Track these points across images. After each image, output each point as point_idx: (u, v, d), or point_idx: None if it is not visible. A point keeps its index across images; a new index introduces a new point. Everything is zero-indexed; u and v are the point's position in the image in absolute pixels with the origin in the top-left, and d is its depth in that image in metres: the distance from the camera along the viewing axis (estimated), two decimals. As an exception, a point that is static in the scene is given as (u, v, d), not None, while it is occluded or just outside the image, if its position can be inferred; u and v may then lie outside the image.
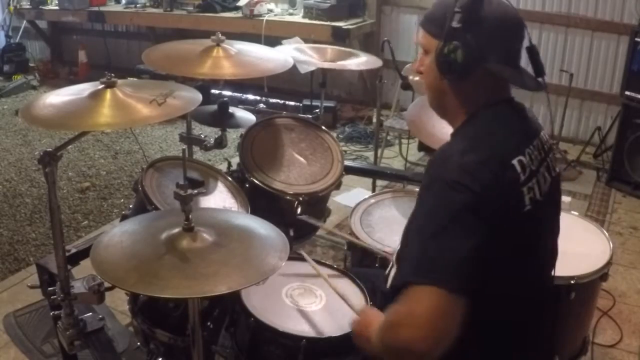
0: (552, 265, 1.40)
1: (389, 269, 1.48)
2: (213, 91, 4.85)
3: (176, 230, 1.41)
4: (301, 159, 2.34)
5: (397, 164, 4.27)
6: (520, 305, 1.26)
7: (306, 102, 4.70)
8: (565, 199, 3.74)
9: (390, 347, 1.15)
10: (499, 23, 1.24)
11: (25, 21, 6.59)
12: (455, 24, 1.22)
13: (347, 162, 2.45)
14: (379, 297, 1.65)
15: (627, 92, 3.73)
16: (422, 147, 4.39)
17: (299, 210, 2.19)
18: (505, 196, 1.16)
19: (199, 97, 1.68)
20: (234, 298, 1.65)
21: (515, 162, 1.19)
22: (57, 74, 6.55)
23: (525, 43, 1.29)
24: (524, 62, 1.31)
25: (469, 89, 1.28)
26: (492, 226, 1.13)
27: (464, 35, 1.22)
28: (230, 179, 2.17)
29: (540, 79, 1.30)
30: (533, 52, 1.30)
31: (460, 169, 1.14)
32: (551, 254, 1.39)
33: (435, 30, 1.28)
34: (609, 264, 1.94)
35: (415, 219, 1.20)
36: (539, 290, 1.33)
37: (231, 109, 2.49)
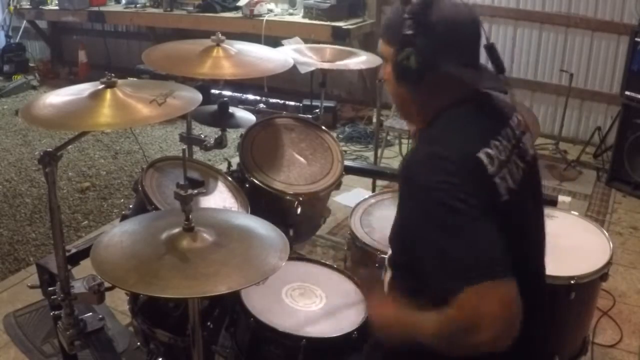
0: (542, 257, 1.39)
1: (383, 273, 1.46)
2: (213, 91, 4.85)
3: (176, 230, 1.41)
4: (301, 159, 2.34)
5: (397, 164, 4.25)
6: None
7: (306, 102, 4.70)
8: (565, 199, 3.72)
9: (465, 348, 1.11)
10: (451, 25, 1.26)
11: (25, 21, 6.59)
12: (406, 31, 1.25)
13: (347, 162, 2.45)
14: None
15: (627, 92, 3.73)
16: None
17: (299, 210, 2.19)
18: (479, 189, 1.17)
19: (199, 97, 1.68)
20: (234, 298, 1.66)
21: (481, 154, 1.20)
22: (57, 74, 6.55)
23: (483, 41, 1.31)
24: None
25: (428, 93, 1.30)
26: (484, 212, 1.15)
27: (416, 41, 1.24)
28: (230, 179, 2.17)
29: (501, 76, 1.31)
30: (491, 50, 1.31)
31: (432, 168, 1.16)
32: (539, 245, 1.39)
33: (391, 38, 1.31)
34: (609, 264, 1.94)
35: (413, 231, 1.19)
36: (529, 284, 1.33)
37: (231, 109, 2.49)
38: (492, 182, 1.20)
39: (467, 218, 1.12)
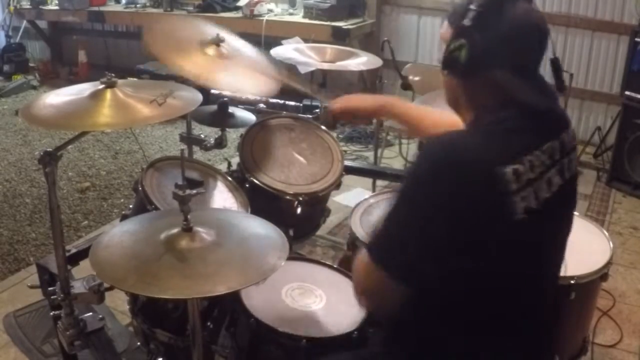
0: (556, 272, 1.38)
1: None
2: (213, 91, 4.85)
3: (175, 230, 1.41)
4: (301, 159, 2.34)
5: (397, 164, 4.27)
6: (513, 308, 1.25)
7: (306, 102, 4.70)
8: (565, 199, 3.74)
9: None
10: (515, 30, 1.18)
11: (25, 21, 6.59)
12: (466, 22, 1.18)
13: (347, 162, 2.44)
14: None
15: (627, 92, 3.73)
16: (422, 147, 4.40)
17: (299, 210, 2.19)
18: (489, 203, 1.12)
19: (199, 97, 1.68)
20: (234, 298, 1.65)
21: (508, 169, 1.13)
22: (57, 74, 6.54)
23: (549, 54, 1.24)
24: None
25: (476, 89, 1.24)
26: (473, 229, 1.12)
27: (472, 35, 1.18)
28: (230, 179, 2.17)
29: (558, 93, 1.26)
30: (554, 64, 1.26)
31: (436, 164, 1.14)
32: (554, 261, 1.37)
33: (452, 23, 1.24)
34: (609, 264, 1.94)
35: (396, 199, 1.20)
36: (536, 297, 1.32)
37: (231, 109, 2.49)
38: (508, 199, 1.13)
39: (421, 219, 1.14)
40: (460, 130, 1.25)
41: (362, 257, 1.22)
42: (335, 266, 1.88)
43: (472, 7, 1.18)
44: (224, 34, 2.12)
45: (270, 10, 5.15)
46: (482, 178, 1.12)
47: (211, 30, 2.14)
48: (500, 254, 1.15)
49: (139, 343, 1.97)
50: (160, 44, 2.11)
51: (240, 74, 2.08)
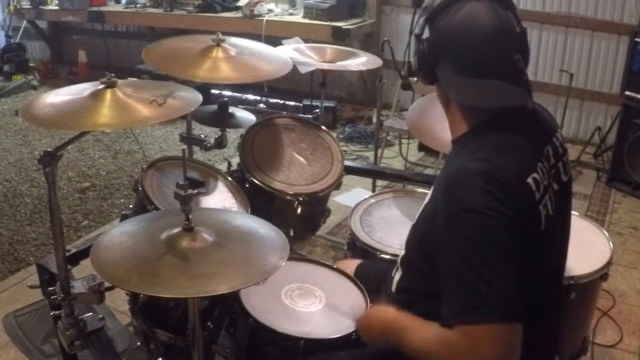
0: (561, 272, 1.38)
1: (394, 271, 1.47)
2: (213, 91, 4.86)
3: (176, 230, 1.41)
4: (301, 159, 2.34)
5: (397, 164, 4.27)
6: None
7: (306, 102, 4.71)
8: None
9: None
10: (457, 35, 1.21)
11: (25, 21, 6.60)
12: (416, 31, 1.28)
13: (347, 162, 2.44)
14: (384, 298, 1.63)
15: (627, 92, 3.73)
16: (422, 147, 4.40)
17: (299, 210, 2.19)
18: (526, 217, 1.12)
19: (199, 97, 1.68)
20: (233, 298, 1.65)
21: (530, 180, 1.14)
22: (57, 74, 6.55)
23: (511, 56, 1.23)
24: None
25: (441, 94, 1.32)
26: (522, 247, 1.10)
27: (421, 42, 1.27)
28: (230, 179, 2.17)
29: (525, 94, 1.23)
30: (513, 64, 1.25)
31: (484, 192, 1.09)
32: (561, 262, 1.37)
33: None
34: (609, 264, 1.94)
35: (448, 248, 1.12)
36: (546, 300, 1.32)
37: (231, 109, 2.49)
38: (537, 210, 1.14)
39: (502, 255, 1.07)
40: (474, 155, 1.18)
41: (455, 338, 1.06)
42: (335, 266, 1.88)
43: (419, 17, 1.28)
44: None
45: (270, 10, 5.16)
46: (521, 194, 1.12)
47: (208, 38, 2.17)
48: (528, 267, 1.14)
49: (139, 343, 1.97)
50: (161, 61, 2.14)
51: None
